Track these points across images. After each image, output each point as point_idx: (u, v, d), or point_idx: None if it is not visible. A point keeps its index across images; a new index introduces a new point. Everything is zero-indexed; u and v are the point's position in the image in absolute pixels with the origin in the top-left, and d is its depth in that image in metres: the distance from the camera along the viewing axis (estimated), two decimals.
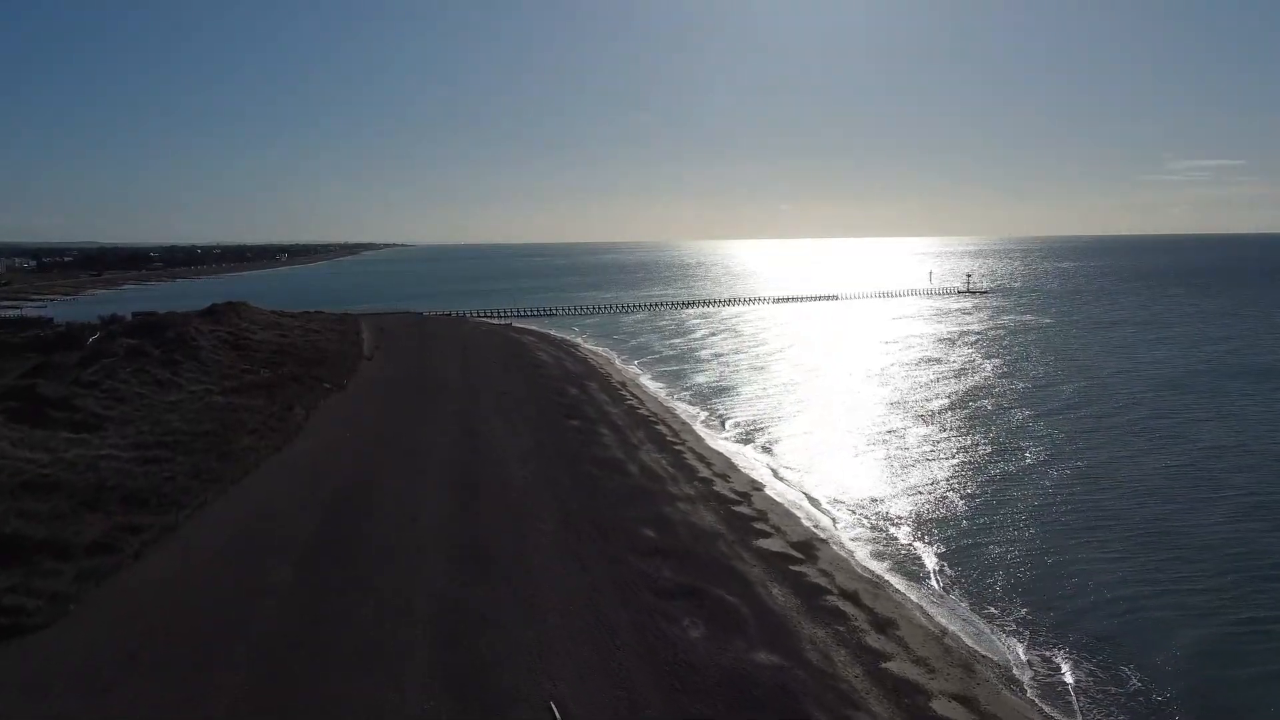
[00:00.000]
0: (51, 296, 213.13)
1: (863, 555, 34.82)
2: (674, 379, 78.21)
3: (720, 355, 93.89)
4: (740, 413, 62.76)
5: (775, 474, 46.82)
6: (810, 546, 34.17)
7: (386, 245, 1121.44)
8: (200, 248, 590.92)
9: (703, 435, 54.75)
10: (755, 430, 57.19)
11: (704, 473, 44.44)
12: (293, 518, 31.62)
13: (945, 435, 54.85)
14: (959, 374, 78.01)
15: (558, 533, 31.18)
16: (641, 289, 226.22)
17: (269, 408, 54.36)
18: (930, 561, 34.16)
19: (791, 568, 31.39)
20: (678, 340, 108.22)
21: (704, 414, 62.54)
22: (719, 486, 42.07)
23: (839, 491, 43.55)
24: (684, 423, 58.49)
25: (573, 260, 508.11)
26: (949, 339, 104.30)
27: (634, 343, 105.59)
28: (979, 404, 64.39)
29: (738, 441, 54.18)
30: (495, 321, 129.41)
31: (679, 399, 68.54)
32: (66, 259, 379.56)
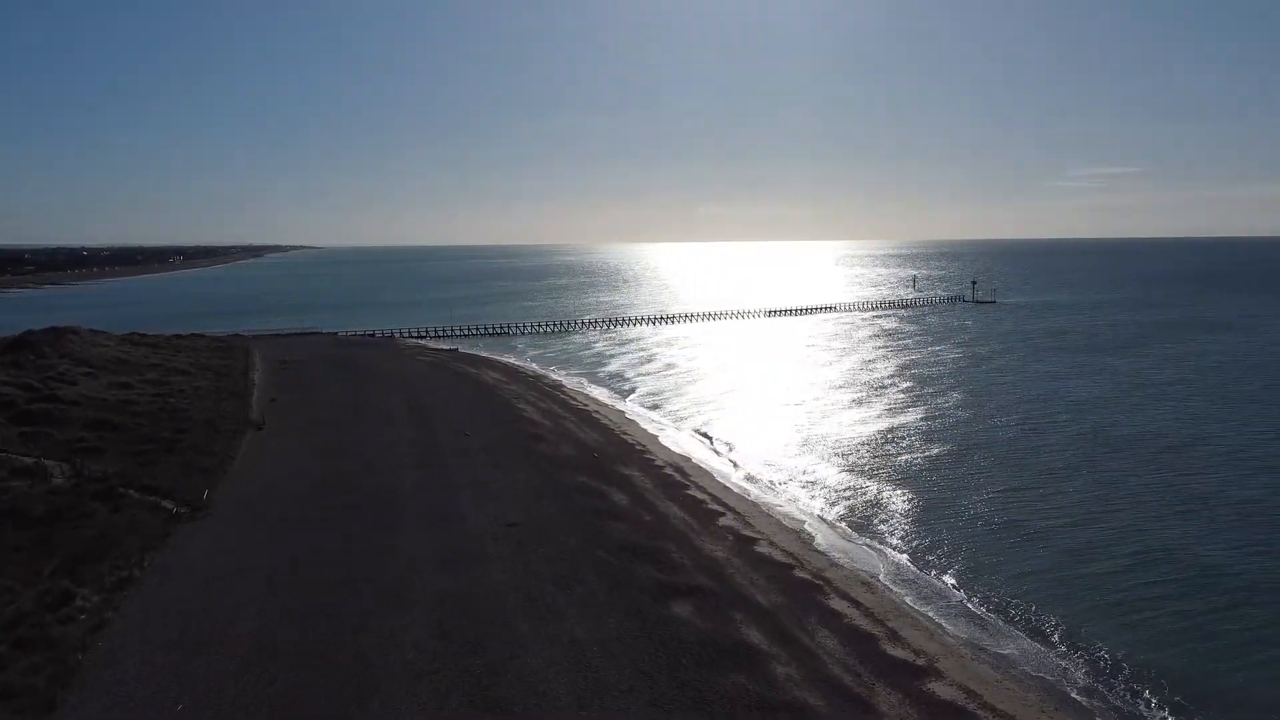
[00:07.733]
0: None
1: None
2: (745, 454, 50.84)
3: (778, 401, 66.66)
4: (944, 545, 35.47)
5: None
6: None
7: (292, 247, 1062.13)
8: (88, 249, 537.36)
9: (965, 652, 26.64)
10: (1034, 601, 30.16)
11: None
12: None
13: None
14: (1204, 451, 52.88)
15: None
16: (589, 296, 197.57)
17: (16, 598, 24.86)
18: None
19: None
20: (690, 374, 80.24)
21: (868, 543, 35.44)
22: None
23: None
24: (864, 579, 30.97)
25: (496, 264, 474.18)
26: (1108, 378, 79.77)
27: (634, 380, 77.44)
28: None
29: (1022, 633, 27.22)
30: (436, 347, 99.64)
31: (792, 500, 41.18)
32: None
